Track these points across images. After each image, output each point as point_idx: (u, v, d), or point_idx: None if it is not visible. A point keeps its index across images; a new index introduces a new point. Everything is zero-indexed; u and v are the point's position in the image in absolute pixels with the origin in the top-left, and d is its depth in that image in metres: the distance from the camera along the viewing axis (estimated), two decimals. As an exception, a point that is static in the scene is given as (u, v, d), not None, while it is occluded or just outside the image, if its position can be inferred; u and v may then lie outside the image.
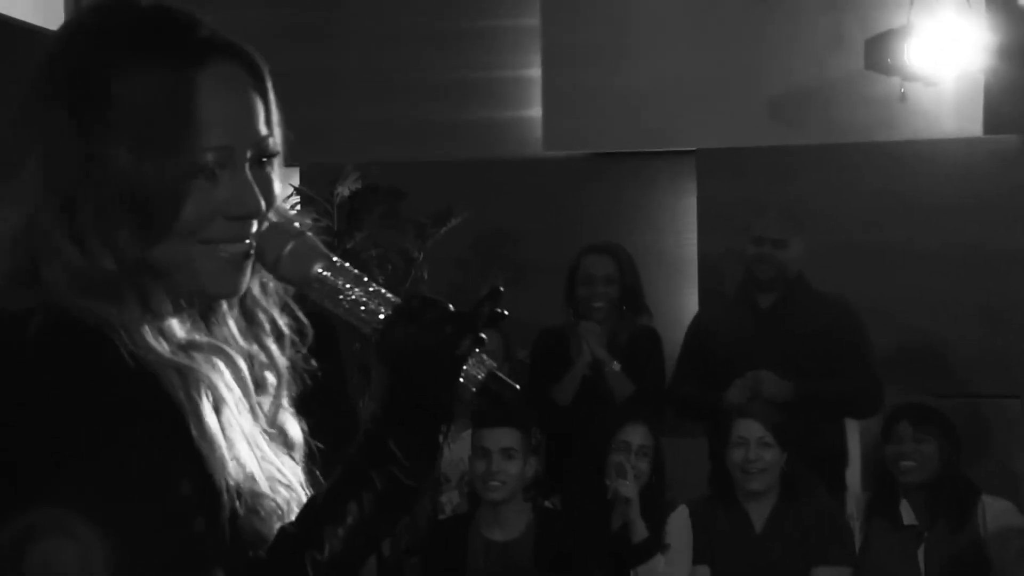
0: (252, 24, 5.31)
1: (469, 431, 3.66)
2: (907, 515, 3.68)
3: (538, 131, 5.23)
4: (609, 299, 4.20)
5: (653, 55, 5.07)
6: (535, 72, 5.24)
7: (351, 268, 1.18)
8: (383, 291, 1.17)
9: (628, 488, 3.62)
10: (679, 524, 3.71)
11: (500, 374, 1.15)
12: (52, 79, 1.13)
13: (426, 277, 4.72)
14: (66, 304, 1.09)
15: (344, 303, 1.16)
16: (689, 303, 5.00)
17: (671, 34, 5.05)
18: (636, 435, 3.70)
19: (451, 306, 1.17)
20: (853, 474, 4.38)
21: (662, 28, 5.06)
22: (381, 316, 1.15)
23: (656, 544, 3.61)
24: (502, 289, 1.23)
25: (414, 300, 1.16)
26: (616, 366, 4.10)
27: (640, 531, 3.59)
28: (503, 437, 3.47)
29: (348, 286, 1.16)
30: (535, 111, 5.25)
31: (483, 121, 5.30)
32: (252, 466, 1.12)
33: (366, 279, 1.18)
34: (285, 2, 5.45)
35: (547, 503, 4.02)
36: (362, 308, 1.16)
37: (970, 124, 4.79)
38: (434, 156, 5.24)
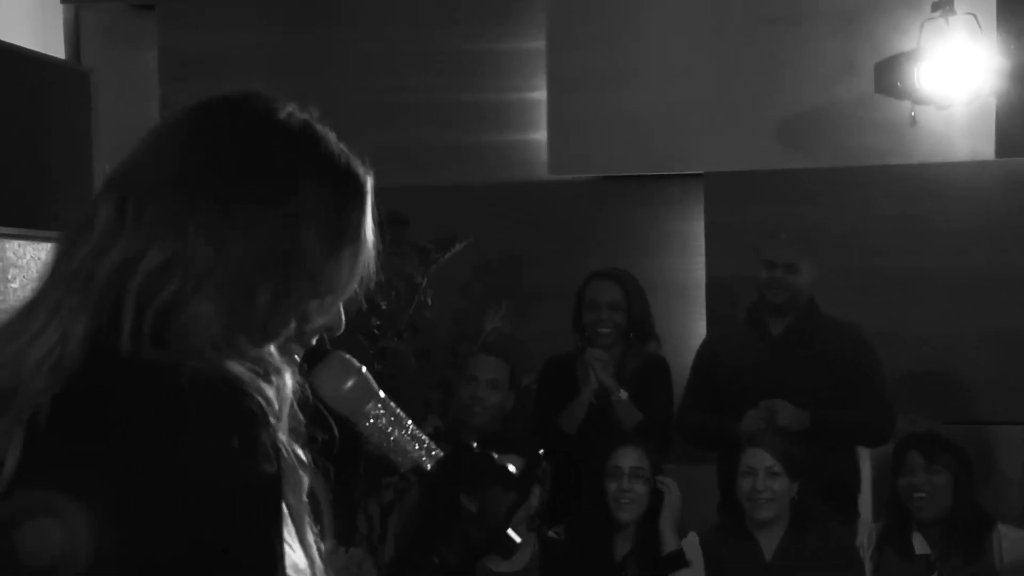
0: (252, 48, 5.42)
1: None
2: (919, 545, 3.67)
3: (544, 154, 5.24)
4: (615, 326, 4.19)
5: (661, 78, 5.08)
6: (540, 95, 5.26)
7: (395, 407, 1.32)
8: (421, 435, 1.32)
9: (667, 484, 3.64)
10: (690, 554, 3.71)
11: (511, 532, 1.27)
12: (238, 170, 1.20)
13: (430, 303, 4.72)
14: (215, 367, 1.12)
15: (389, 441, 1.30)
16: (698, 329, 4.99)
17: (679, 57, 5.06)
18: (627, 458, 3.71)
19: (495, 456, 1.26)
20: (864, 501, 4.36)
21: (670, 50, 5.07)
22: (423, 461, 1.29)
23: (683, 558, 3.62)
24: (542, 453, 1.34)
25: (464, 456, 1.24)
26: (623, 394, 4.10)
27: (670, 542, 3.62)
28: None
29: (392, 429, 1.29)
30: (540, 134, 5.26)
31: (488, 144, 5.31)
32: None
33: (408, 420, 1.31)
34: (285, 26, 5.48)
35: (551, 533, 4.01)
36: (407, 448, 1.30)
37: (982, 147, 4.79)
38: (438, 180, 5.25)
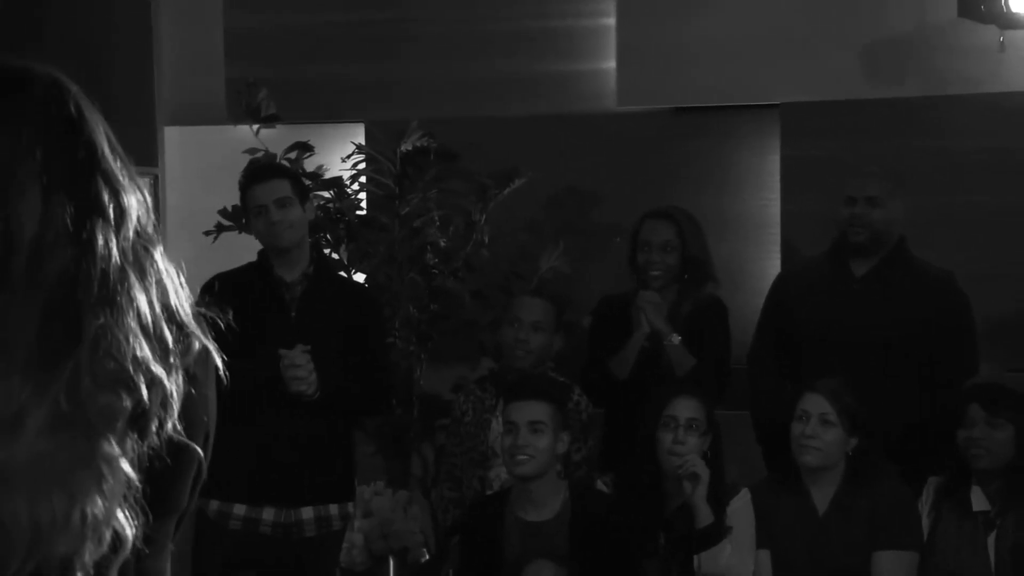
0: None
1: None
2: (978, 501, 3.64)
3: (612, 84, 5.23)
4: (667, 267, 4.21)
5: (735, 2, 5.02)
6: (609, 22, 5.24)
7: None
8: None
9: (698, 466, 3.62)
10: (742, 510, 3.72)
11: None
12: None
13: (487, 241, 4.79)
14: None
15: None
16: (772, 270, 4.97)
17: (756, -21, 5.00)
18: (684, 409, 3.69)
19: None
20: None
21: (746, -27, 5.01)
22: None
23: (720, 529, 3.62)
24: None
25: None
26: (675, 339, 4.12)
27: (705, 515, 3.60)
28: (531, 410, 3.53)
29: None
30: (609, 63, 5.25)
31: (553, 74, 5.32)
32: None
33: None
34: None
35: (600, 482, 4.08)
36: None
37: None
38: (501, 111, 5.29)
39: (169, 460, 1.23)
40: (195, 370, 1.30)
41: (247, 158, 4.78)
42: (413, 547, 4.24)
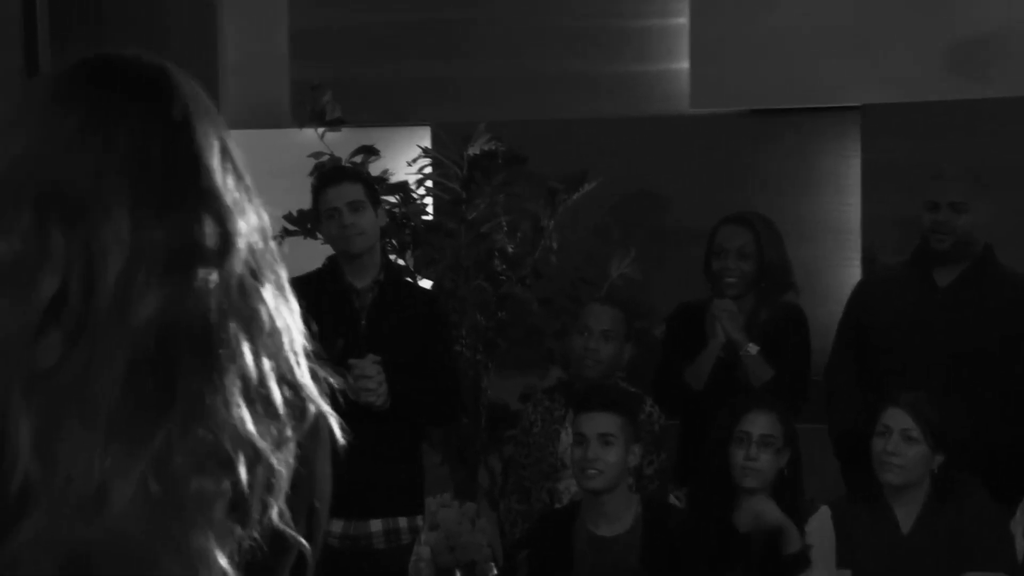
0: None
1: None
2: (1078, 524, 3.55)
3: (685, 85, 5.18)
4: (743, 274, 4.15)
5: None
6: (682, 21, 5.19)
7: None
8: None
9: (752, 481, 3.56)
10: (822, 528, 3.66)
11: None
12: None
13: (555, 246, 4.77)
14: None
15: None
16: (852, 278, 4.89)
17: (835, -25, 4.93)
18: (758, 424, 3.63)
19: None
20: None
21: (825, -31, 4.95)
22: None
23: (808, 555, 3.55)
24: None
25: None
26: (752, 349, 4.06)
27: (794, 540, 3.54)
28: (602, 422, 3.49)
29: None
30: (682, 63, 5.20)
31: (624, 75, 5.28)
32: None
33: None
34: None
35: (673, 497, 4.03)
36: None
37: None
38: (571, 114, 5.26)
39: (268, 552, 1.05)
40: (307, 443, 1.10)
41: (312, 162, 4.79)
42: (481, 561, 4.20)
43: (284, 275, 1.11)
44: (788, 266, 4.25)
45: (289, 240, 4.65)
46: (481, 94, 5.38)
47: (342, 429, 1.14)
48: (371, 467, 3.66)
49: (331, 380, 1.12)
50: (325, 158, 4.83)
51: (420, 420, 3.91)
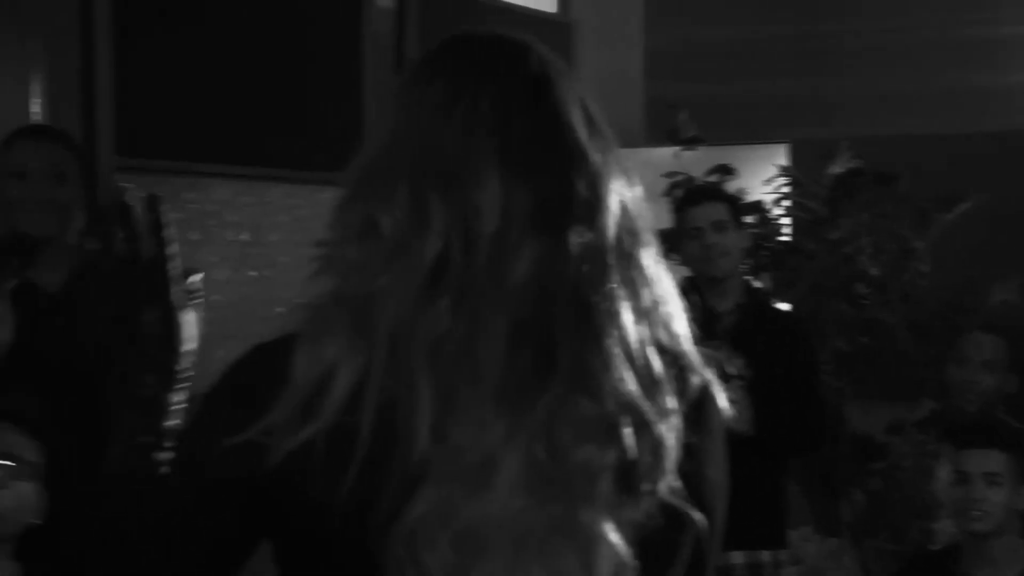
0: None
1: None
2: None
3: (1073, 96, 4.84)
4: None
5: None
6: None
7: None
8: None
9: None
10: None
11: None
12: None
13: (927, 270, 4.53)
14: None
15: None
16: None
17: None
18: None
19: None
20: None
21: None
22: None
23: None
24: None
25: None
26: None
27: None
28: (987, 460, 3.26)
29: None
30: (1069, 73, 4.86)
31: (1000, 87, 4.98)
32: None
33: None
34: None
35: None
36: None
37: None
38: (942, 128, 5.00)
39: (665, 531, 1.00)
40: (694, 414, 1.04)
41: (665, 182, 4.75)
42: (844, 600, 4.04)
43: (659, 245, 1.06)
44: None
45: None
46: (843, 110, 5.20)
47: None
48: (733, 496, 3.56)
49: (722, 361, 1.10)
50: (680, 178, 4.77)
51: (784, 449, 3.77)
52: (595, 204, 1.01)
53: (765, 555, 3.68)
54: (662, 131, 5.01)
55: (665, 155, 4.95)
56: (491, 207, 0.99)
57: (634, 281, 1.02)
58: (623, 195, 1.04)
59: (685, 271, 3.81)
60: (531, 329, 0.97)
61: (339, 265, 1.02)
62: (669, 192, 4.63)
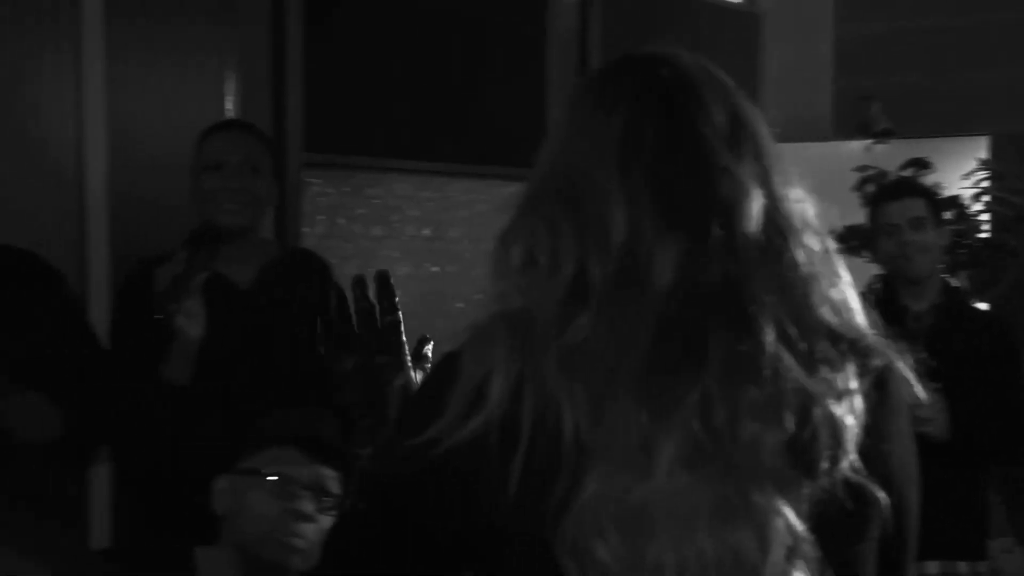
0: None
1: None
2: None
3: None
4: None
5: None
6: None
7: None
8: None
9: None
10: None
11: None
12: None
13: None
14: None
15: None
16: None
17: None
18: None
19: None
20: None
21: None
22: None
23: None
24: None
25: None
26: None
27: None
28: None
29: None
30: None
31: None
32: None
33: None
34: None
35: None
36: None
37: None
38: None
39: (849, 507, 1.04)
40: (875, 394, 1.08)
41: (855, 176, 4.61)
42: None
43: (830, 244, 1.10)
44: None
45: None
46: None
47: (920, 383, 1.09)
48: (929, 503, 3.43)
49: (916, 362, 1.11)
50: (871, 172, 4.63)
51: (982, 455, 3.62)
52: (734, 206, 1.06)
53: (962, 566, 3.54)
54: (852, 124, 4.87)
55: (855, 148, 4.82)
56: (618, 219, 1.05)
57: (788, 276, 1.06)
58: (775, 194, 1.08)
59: (878, 269, 3.69)
60: (679, 324, 1.02)
61: (503, 295, 1.11)
62: (859, 187, 4.49)
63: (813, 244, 1.09)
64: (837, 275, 1.10)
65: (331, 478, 1.99)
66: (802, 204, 1.11)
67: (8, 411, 2.25)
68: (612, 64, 1.16)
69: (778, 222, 1.07)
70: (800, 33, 5.61)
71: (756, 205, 1.06)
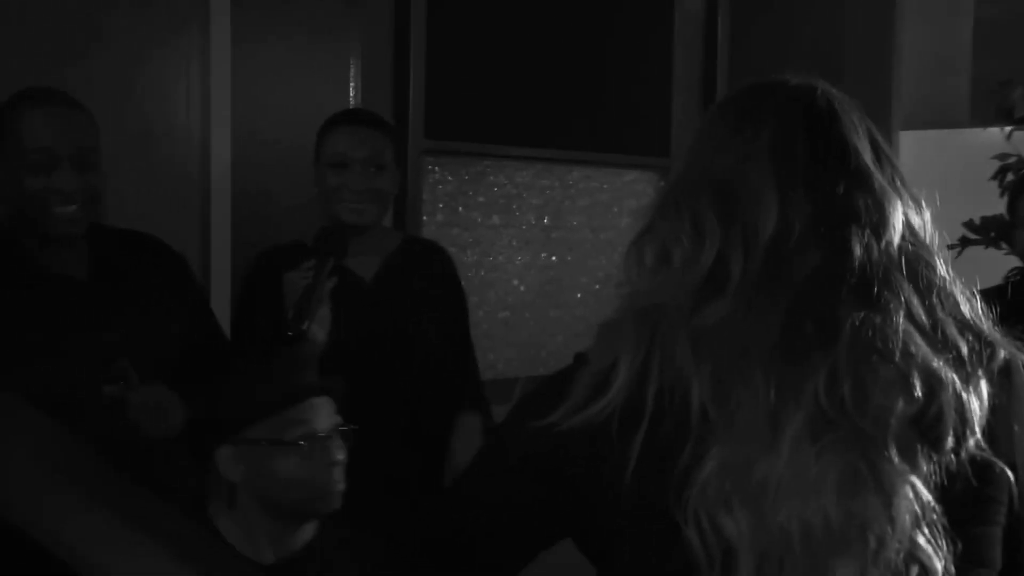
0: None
1: None
2: None
3: None
4: None
5: None
6: None
7: None
8: None
9: None
10: None
11: None
12: None
13: None
14: None
15: None
16: None
17: None
18: None
19: None
20: None
21: None
22: None
23: None
24: None
25: None
26: None
27: None
28: None
29: None
30: None
31: None
32: None
33: None
34: None
35: None
36: None
37: None
38: None
39: (976, 486, 1.10)
40: (1001, 379, 1.14)
41: (995, 164, 4.46)
42: None
43: (949, 270, 1.18)
44: None
45: (969, 250, 4.36)
46: None
47: None
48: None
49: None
50: (1012, 160, 4.47)
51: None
52: (879, 218, 1.15)
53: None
54: (991, 110, 4.70)
55: (994, 136, 4.65)
56: (767, 221, 1.13)
57: (921, 277, 1.14)
58: (909, 216, 1.18)
59: (1016, 261, 3.57)
60: (811, 306, 1.10)
61: (634, 294, 1.19)
62: (999, 176, 4.35)
63: (941, 268, 1.17)
64: (959, 280, 1.19)
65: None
66: (933, 230, 1.21)
67: (135, 404, 2.26)
68: (747, 85, 1.26)
69: (914, 240, 1.16)
70: (937, 15, 5.44)
71: (898, 214, 1.16)
